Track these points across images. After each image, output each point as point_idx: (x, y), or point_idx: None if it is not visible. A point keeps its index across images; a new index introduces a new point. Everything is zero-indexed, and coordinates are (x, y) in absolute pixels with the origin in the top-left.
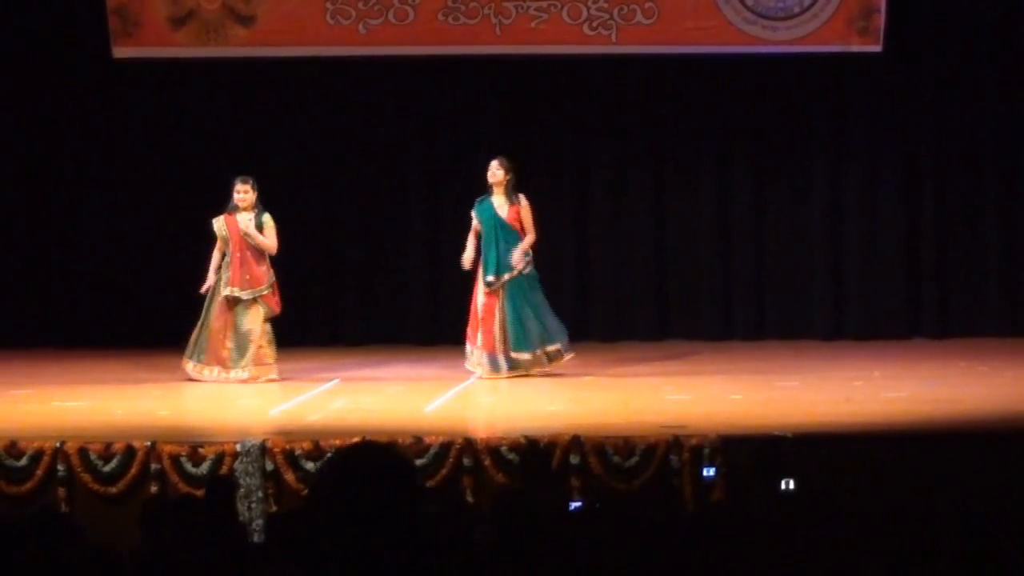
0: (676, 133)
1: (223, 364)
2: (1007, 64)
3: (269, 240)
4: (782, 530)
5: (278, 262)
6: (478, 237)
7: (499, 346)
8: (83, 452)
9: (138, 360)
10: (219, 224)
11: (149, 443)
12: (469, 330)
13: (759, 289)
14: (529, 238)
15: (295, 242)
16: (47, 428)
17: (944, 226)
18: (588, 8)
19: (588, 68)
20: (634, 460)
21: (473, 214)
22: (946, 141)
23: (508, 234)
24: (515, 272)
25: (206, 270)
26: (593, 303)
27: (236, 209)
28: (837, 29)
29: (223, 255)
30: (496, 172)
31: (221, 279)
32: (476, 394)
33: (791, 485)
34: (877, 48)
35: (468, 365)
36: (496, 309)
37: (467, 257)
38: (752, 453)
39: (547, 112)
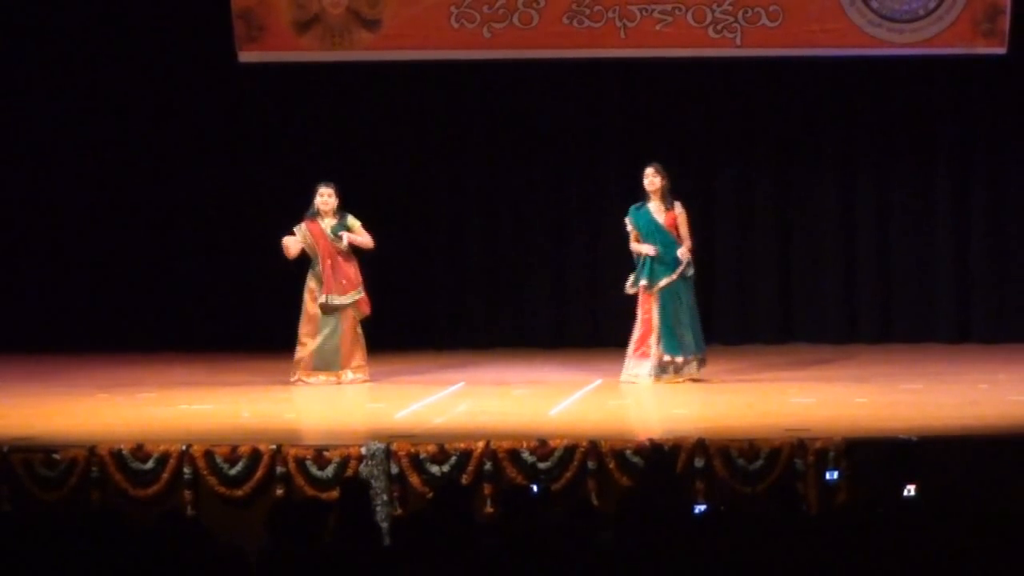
0: (800, 136)
1: (328, 369)
2: None
3: (365, 237)
4: (906, 534)
5: (402, 264)
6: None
7: (654, 351)
8: (209, 455)
9: (264, 363)
10: (302, 232)
11: (274, 446)
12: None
13: (884, 292)
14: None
15: (419, 244)
16: (173, 431)
17: None
18: (712, 11)
19: (713, 71)
20: (759, 463)
21: (629, 222)
22: None
23: (667, 241)
24: (673, 277)
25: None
26: (717, 306)
27: (317, 215)
28: (962, 31)
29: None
30: (653, 179)
31: (310, 287)
32: (601, 397)
33: (912, 492)
34: (1002, 50)
35: (626, 376)
36: (652, 314)
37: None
38: (877, 456)
39: (671, 115)
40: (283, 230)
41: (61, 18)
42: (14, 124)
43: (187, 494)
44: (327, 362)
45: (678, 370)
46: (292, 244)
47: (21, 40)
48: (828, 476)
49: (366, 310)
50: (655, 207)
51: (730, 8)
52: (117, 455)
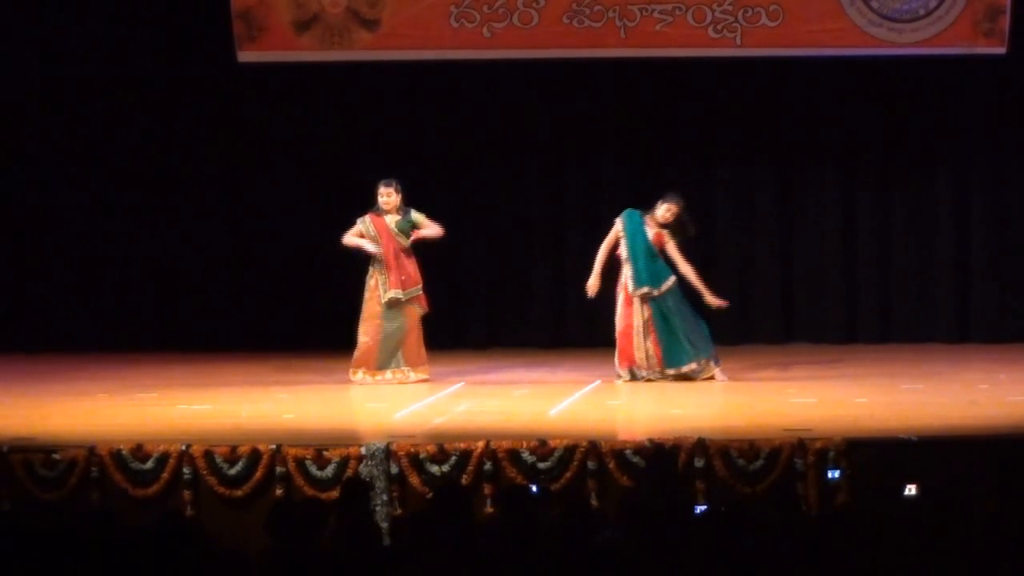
0: (801, 135)
1: (393, 367)
2: None
3: (432, 229)
4: (907, 534)
5: None
6: (612, 248)
7: (649, 363)
8: (208, 455)
9: (263, 363)
10: (366, 224)
11: (274, 446)
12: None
13: (884, 292)
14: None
15: (418, 244)
16: (173, 431)
17: None
18: (713, 11)
19: (713, 71)
20: (759, 463)
21: (619, 223)
22: None
23: (651, 251)
24: (662, 290)
25: (335, 269)
26: None
27: (381, 212)
28: (962, 31)
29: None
30: (670, 217)
31: (370, 284)
32: (601, 397)
33: (912, 492)
34: (1002, 50)
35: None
36: (641, 324)
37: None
38: (877, 456)
39: (671, 115)
40: (279, 227)
41: (61, 18)
42: (14, 124)
43: (187, 494)
44: (390, 359)
45: (685, 377)
46: (352, 237)
47: (21, 40)
48: (828, 476)
49: (425, 307)
50: (650, 222)
51: (730, 8)
52: (117, 455)
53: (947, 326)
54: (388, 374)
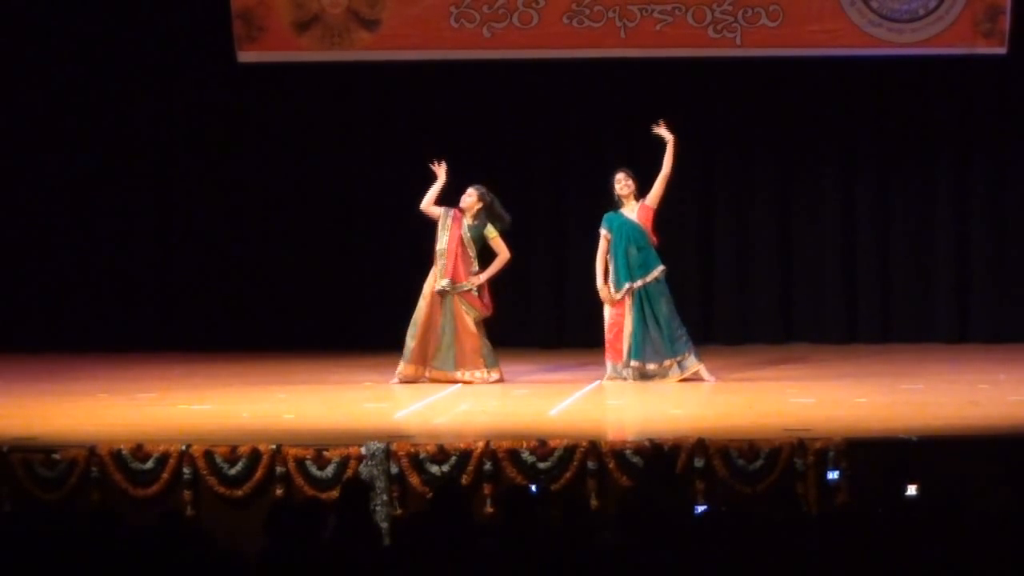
0: (801, 135)
1: (425, 363)
2: None
3: (498, 248)
4: (907, 534)
5: (400, 265)
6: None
7: (624, 356)
8: (208, 455)
9: (263, 363)
10: (444, 214)
11: (274, 446)
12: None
13: (884, 292)
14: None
15: (419, 244)
16: (173, 431)
17: None
18: (712, 11)
19: (713, 71)
20: (759, 463)
21: (603, 229)
22: None
23: (641, 239)
24: (647, 280)
25: (336, 269)
26: (718, 306)
27: (462, 211)
28: (962, 31)
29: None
30: (628, 182)
31: (425, 292)
32: (601, 397)
33: (913, 492)
34: (1002, 50)
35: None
36: (631, 317)
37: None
38: (877, 456)
39: (671, 115)
40: (281, 228)
41: (61, 18)
42: (14, 124)
43: (187, 494)
44: (438, 356)
45: (647, 376)
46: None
47: (21, 40)
48: (828, 476)
49: (482, 310)
50: (628, 209)
51: (730, 8)
52: (117, 455)
53: (947, 326)
54: (431, 372)
